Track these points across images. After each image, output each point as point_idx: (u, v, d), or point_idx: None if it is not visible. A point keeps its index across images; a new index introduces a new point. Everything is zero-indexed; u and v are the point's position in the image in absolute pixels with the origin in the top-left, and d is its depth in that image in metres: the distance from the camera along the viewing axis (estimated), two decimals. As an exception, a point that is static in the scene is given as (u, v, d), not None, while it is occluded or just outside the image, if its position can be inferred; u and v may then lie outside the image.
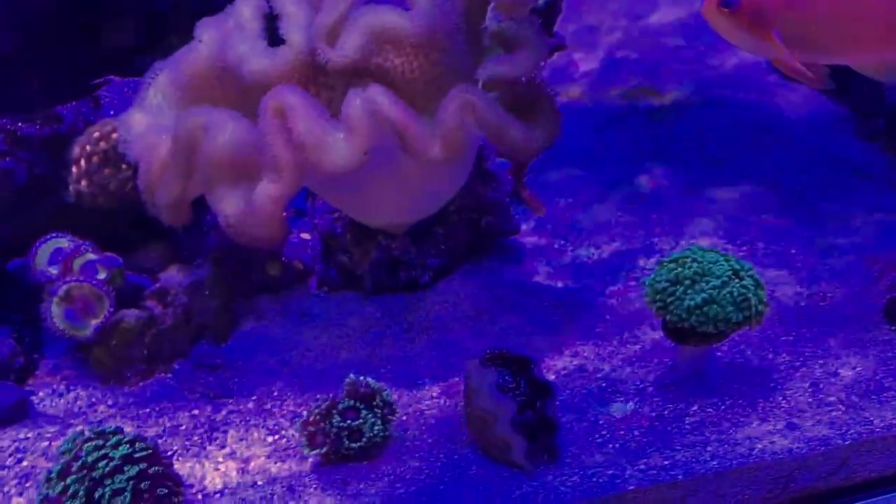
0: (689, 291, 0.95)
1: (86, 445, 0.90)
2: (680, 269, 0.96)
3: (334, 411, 0.97)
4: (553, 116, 1.04)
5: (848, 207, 1.38)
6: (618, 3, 2.02)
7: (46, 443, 1.05)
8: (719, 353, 1.10)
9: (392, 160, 1.03)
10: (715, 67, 1.78)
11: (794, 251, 1.30)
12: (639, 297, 1.22)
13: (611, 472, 0.95)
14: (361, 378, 1.00)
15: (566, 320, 1.20)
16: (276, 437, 1.05)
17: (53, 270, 1.10)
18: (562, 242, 1.37)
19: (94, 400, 1.12)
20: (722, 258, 0.97)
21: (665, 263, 0.99)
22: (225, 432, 1.06)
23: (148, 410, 1.10)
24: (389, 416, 1.00)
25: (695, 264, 0.96)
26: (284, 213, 1.00)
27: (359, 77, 1.03)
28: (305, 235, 1.29)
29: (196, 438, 1.05)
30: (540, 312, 1.22)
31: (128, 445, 0.92)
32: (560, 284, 1.28)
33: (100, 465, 0.90)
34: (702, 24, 2.02)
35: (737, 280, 0.96)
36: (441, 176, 1.12)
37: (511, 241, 1.35)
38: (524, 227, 1.37)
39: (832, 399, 1.03)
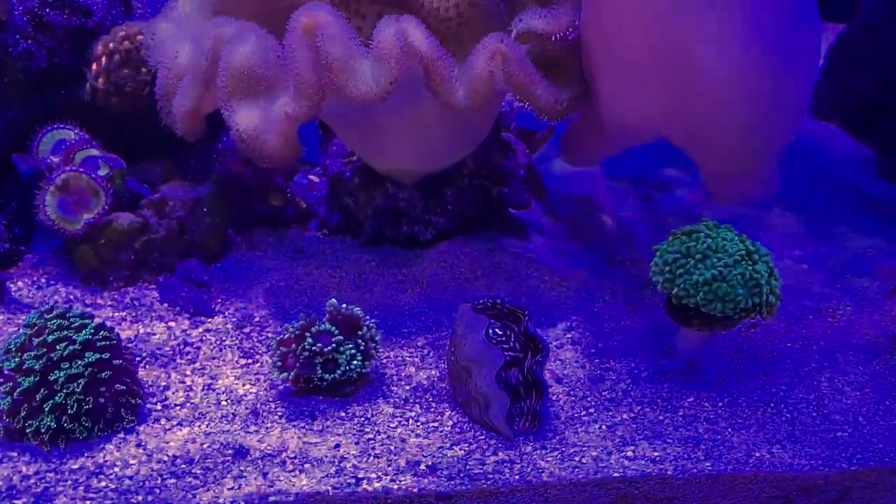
0: (699, 266, 0.91)
1: (50, 323, 0.86)
2: (692, 244, 0.92)
3: (307, 334, 0.93)
4: (581, 80, 1.02)
5: (865, 236, 1.35)
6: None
7: (15, 329, 1.01)
8: (720, 351, 1.05)
9: (414, 100, 1.01)
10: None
11: (805, 266, 1.27)
12: (640, 286, 1.18)
13: (595, 453, 0.89)
14: (345, 305, 0.95)
15: (564, 296, 1.16)
16: (250, 360, 1.01)
17: (55, 159, 1.07)
18: (570, 227, 1.33)
19: (71, 297, 1.08)
20: (737, 237, 0.93)
21: (677, 235, 0.95)
22: (198, 349, 1.02)
23: (124, 314, 1.06)
24: (373, 351, 0.95)
25: (708, 239, 0.92)
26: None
27: (392, 8, 1.02)
28: (314, 178, 1.27)
29: (167, 349, 1.01)
30: (539, 285, 1.17)
31: (91, 331, 0.88)
32: (563, 264, 1.24)
33: (59, 346, 0.86)
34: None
35: (749, 262, 0.91)
36: (459, 126, 1.09)
37: (520, 215, 1.32)
38: (535, 208, 1.34)
39: (838, 418, 0.97)
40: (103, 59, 1.12)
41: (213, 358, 1.01)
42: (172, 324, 1.06)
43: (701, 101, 0.91)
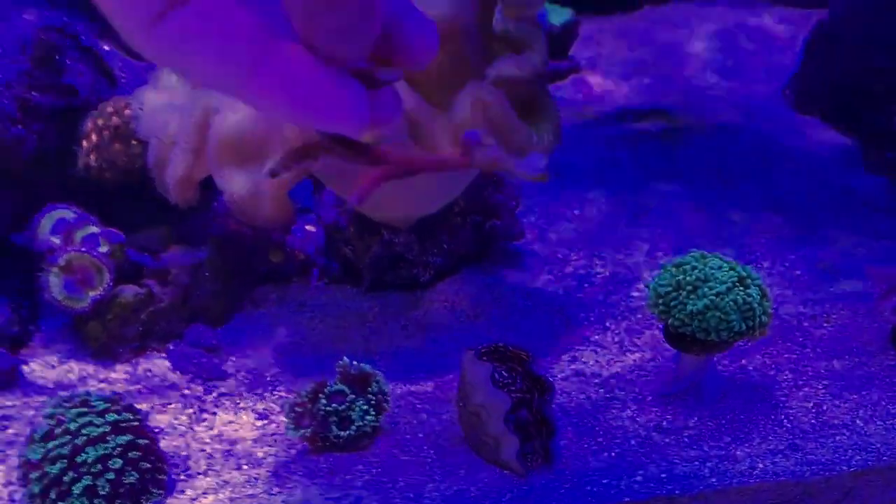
0: (691, 297, 0.94)
1: (70, 411, 0.89)
2: (681, 276, 0.95)
3: (321, 395, 0.96)
4: (555, 120, 1.04)
5: (854, 234, 1.37)
6: (634, 32, 2.05)
7: (33, 411, 1.03)
8: (720, 367, 1.08)
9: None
10: (731, 95, 1.80)
11: (798, 272, 1.29)
12: (640, 307, 1.21)
13: (605, 481, 0.92)
14: (355, 363, 0.98)
15: (565, 326, 1.18)
16: (265, 422, 1.04)
17: (55, 240, 1.09)
18: (566, 252, 1.36)
19: (84, 374, 1.11)
20: (726, 264, 0.96)
21: (668, 268, 0.98)
22: (214, 414, 1.05)
23: (139, 387, 1.09)
24: (384, 404, 0.98)
25: (696, 271, 0.95)
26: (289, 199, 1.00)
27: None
28: (310, 228, 1.29)
29: (184, 418, 1.04)
30: (540, 317, 1.20)
31: (115, 414, 0.90)
32: (561, 292, 1.27)
33: (84, 431, 0.88)
34: (717, 49, 2.04)
35: (741, 288, 0.95)
36: (449, 173, 1.11)
37: (515, 246, 1.34)
38: (529, 235, 1.37)
39: (836, 423, 1.00)
40: (93, 136, 1.14)
41: (230, 422, 1.04)
42: (187, 391, 1.09)
43: None
